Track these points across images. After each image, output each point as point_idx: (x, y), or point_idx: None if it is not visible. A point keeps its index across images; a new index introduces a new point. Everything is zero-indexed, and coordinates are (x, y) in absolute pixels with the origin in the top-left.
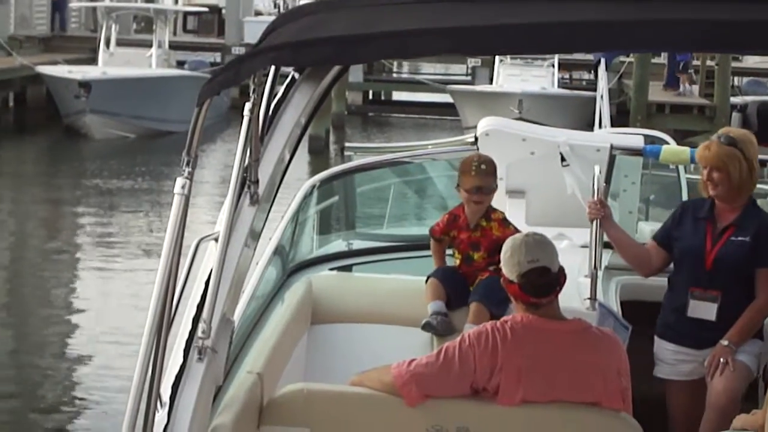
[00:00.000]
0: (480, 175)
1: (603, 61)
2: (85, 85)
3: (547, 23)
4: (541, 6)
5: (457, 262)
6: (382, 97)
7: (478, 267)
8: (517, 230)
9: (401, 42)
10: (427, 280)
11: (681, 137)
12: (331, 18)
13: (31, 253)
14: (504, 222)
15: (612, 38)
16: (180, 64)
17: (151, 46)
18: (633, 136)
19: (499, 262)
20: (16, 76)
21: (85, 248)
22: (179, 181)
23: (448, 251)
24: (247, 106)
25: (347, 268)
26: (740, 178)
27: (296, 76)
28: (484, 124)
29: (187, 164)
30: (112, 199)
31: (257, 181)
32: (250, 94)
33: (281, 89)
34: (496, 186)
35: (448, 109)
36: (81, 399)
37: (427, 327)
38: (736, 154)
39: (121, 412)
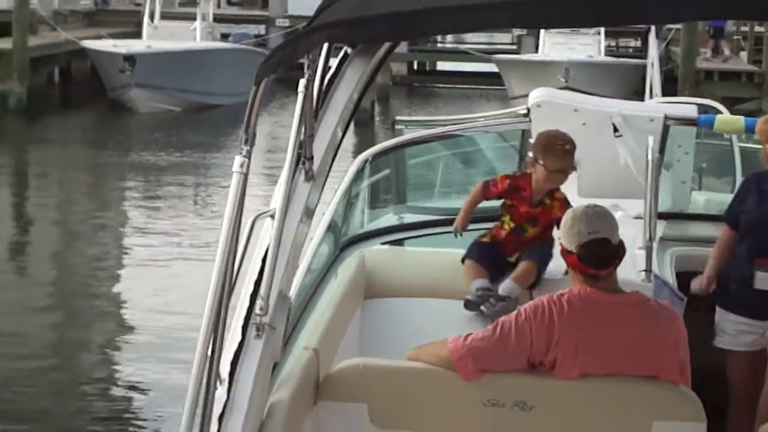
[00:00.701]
0: (566, 156)
1: (653, 28)
2: (130, 59)
3: None
4: None
5: (506, 227)
6: (427, 68)
7: (526, 240)
8: None
9: (458, 16)
10: (463, 261)
11: (730, 104)
12: None
13: (78, 226)
14: (566, 202)
15: (668, 9)
16: (224, 36)
17: (195, 19)
18: (686, 106)
19: (546, 237)
20: (61, 51)
21: (131, 221)
22: (237, 159)
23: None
24: (302, 82)
25: (399, 242)
26: None
27: (349, 51)
28: (536, 95)
29: (245, 142)
30: (158, 172)
31: (312, 158)
32: (305, 70)
33: (334, 65)
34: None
35: (494, 78)
36: (132, 376)
37: (470, 305)
38: None
39: (176, 386)
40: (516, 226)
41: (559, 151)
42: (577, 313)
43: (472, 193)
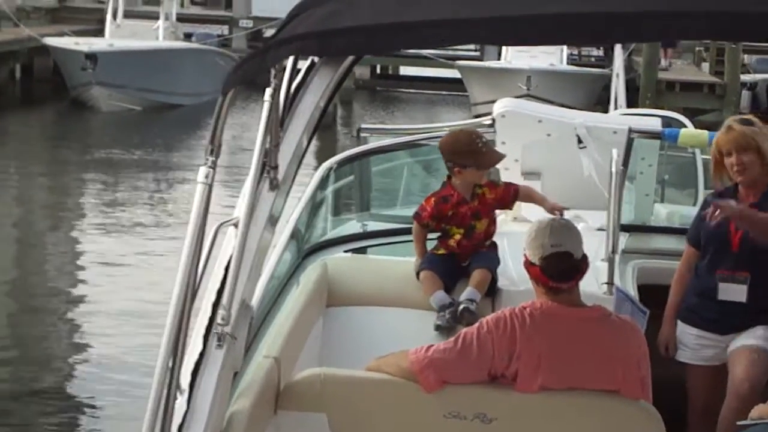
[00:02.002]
0: (491, 148)
1: None
2: (92, 57)
3: (583, 13)
4: None
5: (457, 237)
6: (390, 72)
7: (479, 239)
8: (508, 184)
9: (434, 32)
10: (418, 274)
11: (691, 115)
12: (353, 5)
13: (36, 224)
14: (492, 183)
15: (646, 29)
16: (187, 36)
17: (158, 18)
18: (650, 119)
19: (493, 230)
20: (23, 47)
21: (90, 219)
22: (202, 171)
23: (432, 235)
24: (267, 91)
25: (362, 250)
26: None
27: (315, 60)
28: (501, 105)
29: (211, 153)
30: (117, 171)
31: (277, 167)
32: (271, 78)
33: (300, 73)
34: None
35: (456, 84)
36: (90, 379)
37: (439, 329)
38: (761, 131)
39: (130, 395)
40: (465, 228)
41: (484, 147)
42: (538, 327)
43: (414, 234)
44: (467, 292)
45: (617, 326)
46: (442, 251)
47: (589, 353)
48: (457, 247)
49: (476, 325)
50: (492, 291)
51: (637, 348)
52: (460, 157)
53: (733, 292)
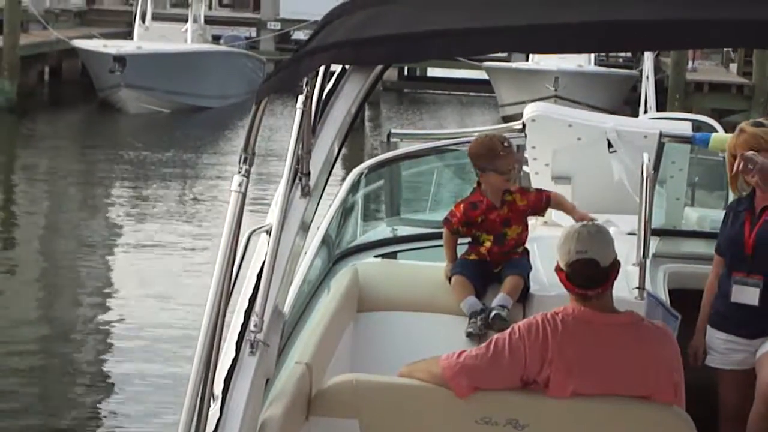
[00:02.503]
0: (511, 154)
1: None
2: (120, 59)
3: (613, 21)
4: (601, 3)
5: (487, 244)
6: (417, 74)
7: (510, 246)
8: (539, 190)
9: (466, 39)
10: (449, 279)
11: (718, 116)
12: (386, 12)
13: (65, 224)
14: (522, 190)
15: (666, 37)
16: (215, 39)
17: (186, 20)
18: (681, 123)
19: (525, 237)
20: (52, 50)
21: (117, 222)
22: (236, 179)
23: (461, 240)
24: (300, 98)
25: (392, 255)
26: None
27: (347, 67)
28: (531, 109)
29: (244, 161)
30: (146, 173)
31: (309, 173)
32: (303, 86)
33: (332, 80)
34: None
35: (484, 86)
36: (118, 383)
37: (470, 336)
38: None
39: (160, 402)
40: (495, 235)
41: (503, 152)
42: (570, 332)
43: (444, 240)
44: (499, 299)
45: (650, 332)
46: (473, 257)
47: (621, 359)
48: (487, 254)
49: (508, 330)
50: (524, 297)
51: (670, 354)
52: (481, 160)
53: (746, 294)
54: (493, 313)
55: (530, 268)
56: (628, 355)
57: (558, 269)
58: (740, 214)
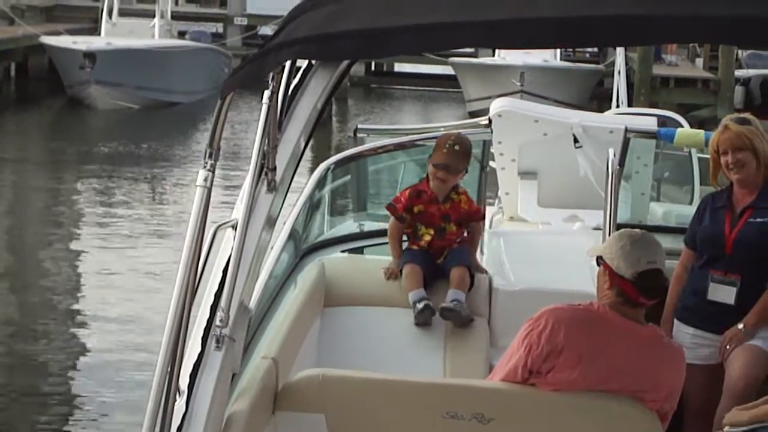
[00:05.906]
0: (451, 154)
1: None
2: (90, 55)
3: (580, 17)
4: None
5: (427, 237)
6: (384, 69)
7: (450, 240)
8: (480, 209)
9: (433, 35)
10: (401, 269)
11: (685, 111)
12: (352, 7)
13: (33, 223)
14: (470, 197)
15: (641, 32)
16: (181, 34)
17: (153, 16)
18: (646, 118)
19: (463, 233)
20: (19, 46)
21: (87, 218)
22: (202, 174)
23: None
24: (266, 93)
25: (359, 250)
26: (765, 153)
27: (313, 62)
28: (497, 105)
29: (210, 156)
30: (115, 168)
31: (275, 168)
32: (269, 81)
33: (298, 75)
34: (465, 170)
35: (451, 81)
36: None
37: (420, 324)
38: (757, 130)
39: (123, 399)
40: (435, 228)
41: (446, 148)
42: (586, 328)
43: (390, 232)
44: (450, 295)
45: (666, 350)
46: (416, 246)
47: (628, 366)
48: (428, 247)
49: (534, 317)
50: (488, 292)
51: (674, 379)
52: (434, 149)
53: (723, 293)
54: (449, 305)
55: (469, 255)
56: (636, 366)
57: (615, 275)
58: (719, 211)
